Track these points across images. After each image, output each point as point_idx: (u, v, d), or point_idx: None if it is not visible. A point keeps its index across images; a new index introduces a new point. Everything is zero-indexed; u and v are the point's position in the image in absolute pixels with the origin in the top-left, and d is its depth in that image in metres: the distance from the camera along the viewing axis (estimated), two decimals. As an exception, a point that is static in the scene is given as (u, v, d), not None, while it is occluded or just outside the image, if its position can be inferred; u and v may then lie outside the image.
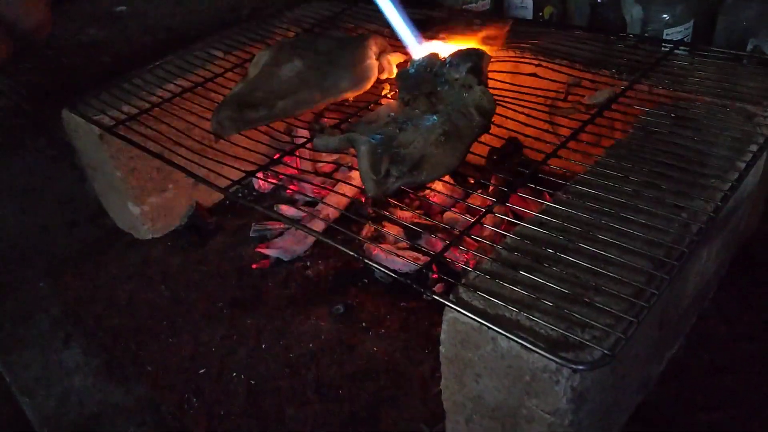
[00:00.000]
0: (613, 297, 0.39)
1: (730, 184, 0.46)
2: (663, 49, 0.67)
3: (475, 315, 0.38)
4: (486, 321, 0.38)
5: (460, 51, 0.58)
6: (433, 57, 0.59)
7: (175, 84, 0.73)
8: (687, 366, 0.55)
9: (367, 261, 0.46)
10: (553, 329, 0.37)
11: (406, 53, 0.68)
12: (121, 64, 1.32)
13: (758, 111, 0.55)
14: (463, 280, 0.41)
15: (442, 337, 0.42)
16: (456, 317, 0.40)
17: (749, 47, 0.77)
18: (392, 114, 0.57)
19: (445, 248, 0.44)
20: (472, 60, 0.56)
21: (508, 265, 0.42)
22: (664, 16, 0.83)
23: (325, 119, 0.72)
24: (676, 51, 0.66)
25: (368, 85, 0.67)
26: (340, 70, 0.67)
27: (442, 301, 0.39)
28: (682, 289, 0.49)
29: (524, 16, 0.97)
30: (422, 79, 0.57)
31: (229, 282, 0.70)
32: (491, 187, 0.64)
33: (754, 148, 0.50)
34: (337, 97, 0.66)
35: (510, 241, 0.44)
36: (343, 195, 0.72)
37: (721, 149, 0.51)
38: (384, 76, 0.68)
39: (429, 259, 0.58)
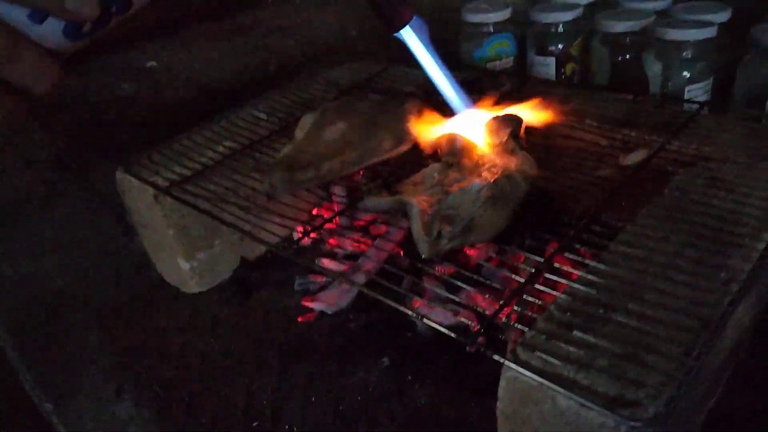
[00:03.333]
0: (663, 356, 0.41)
1: (764, 243, 0.49)
2: (688, 108, 0.71)
3: (535, 374, 0.41)
4: (546, 380, 0.40)
5: (498, 117, 0.62)
6: (473, 123, 0.63)
7: (223, 146, 0.77)
8: (726, 414, 0.57)
9: (424, 318, 0.48)
10: (609, 387, 0.40)
11: (444, 115, 0.72)
12: (154, 117, 1.38)
13: (785, 170, 0.59)
14: (520, 340, 0.44)
15: (500, 394, 0.44)
16: (515, 375, 0.42)
17: (769, 103, 0.81)
18: (436, 176, 0.60)
19: (500, 308, 0.47)
20: (512, 126, 0.60)
21: (562, 325, 0.44)
22: (685, 73, 0.87)
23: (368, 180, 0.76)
24: (702, 110, 0.70)
25: (410, 145, 0.70)
26: (382, 131, 0.71)
27: (506, 362, 0.42)
28: (722, 343, 0.51)
29: (547, 73, 1.02)
30: (464, 143, 0.61)
31: (276, 334, 0.72)
32: (527, 242, 0.67)
33: (784, 207, 0.53)
34: (381, 158, 0.70)
35: (561, 301, 0.47)
36: (382, 249, 0.75)
37: (752, 209, 0.54)
38: (423, 137, 0.72)
39: (475, 316, 0.62)
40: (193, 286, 0.79)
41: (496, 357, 0.43)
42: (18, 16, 0.42)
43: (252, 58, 1.64)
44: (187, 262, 0.77)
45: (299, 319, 0.73)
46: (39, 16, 0.42)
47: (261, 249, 0.84)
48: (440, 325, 0.47)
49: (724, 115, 0.70)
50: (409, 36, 0.60)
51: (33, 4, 0.41)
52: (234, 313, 0.77)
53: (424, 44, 0.61)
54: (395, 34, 0.60)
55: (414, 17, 0.60)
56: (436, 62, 0.63)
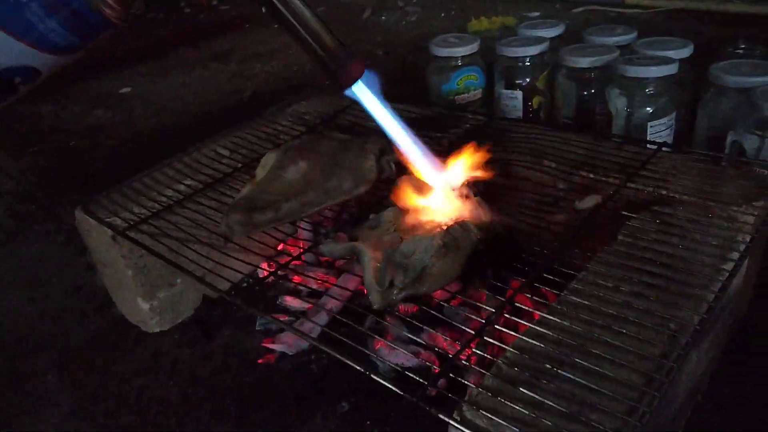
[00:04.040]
0: (607, 415, 0.41)
1: (713, 295, 0.49)
2: (648, 148, 0.71)
3: (478, 435, 0.40)
4: (489, 441, 0.40)
5: (454, 162, 0.62)
6: (431, 167, 0.63)
7: (184, 184, 0.76)
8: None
9: (374, 376, 0.48)
10: (552, 449, 0.39)
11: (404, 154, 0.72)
12: (126, 146, 1.37)
13: (738, 215, 0.59)
14: (466, 398, 0.43)
15: (447, 452, 0.44)
16: (460, 436, 0.42)
17: (729, 140, 0.82)
18: (392, 220, 0.60)
19: (460, 350, 0.47)
20: (467, 171, 0.60)
21: (509, 381, 0.44)
22: (648, 108, 0.88)
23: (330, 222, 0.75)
24: (660, 152, 0.70)
25: (369, 186, 0.70)
26: (343, 171, 0.71)
27: (450, 422, 0.42)
28: (674, 393, 0.51)
29: (514, 106, 1.02)
30: (419, 188, 0.61)
31: (235, 377, 0.71)
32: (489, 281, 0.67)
33: (735, 255, 0.54)
34: (341, 199, 0.69)
35: (510, 355, 0.46)
36: (344, 288, 0.74)
37: (705, 256, 0.54)
38: (384, 176, 0.72)
39: (434, 356, 0.61)
40: (153, 326, 0.78)
41: (441, 416, 0.42)
42: None
43: (228, 85, 1.64)
44: (146, 302, 0.76)
45: (259, 361, 0.72)
46: None
47: (224, 286, 0.83)
48: (402, 366, 0.46)
49: (683, 155, 0.70)
50: (360, 92, 0.59)
51: None
52: (194, 355, 0.76)
53: (376, 98, 0.60)
54: (346, 92, 0.59)
55: (365, 72, 0.58)
56: (390, 115, 0.61)
